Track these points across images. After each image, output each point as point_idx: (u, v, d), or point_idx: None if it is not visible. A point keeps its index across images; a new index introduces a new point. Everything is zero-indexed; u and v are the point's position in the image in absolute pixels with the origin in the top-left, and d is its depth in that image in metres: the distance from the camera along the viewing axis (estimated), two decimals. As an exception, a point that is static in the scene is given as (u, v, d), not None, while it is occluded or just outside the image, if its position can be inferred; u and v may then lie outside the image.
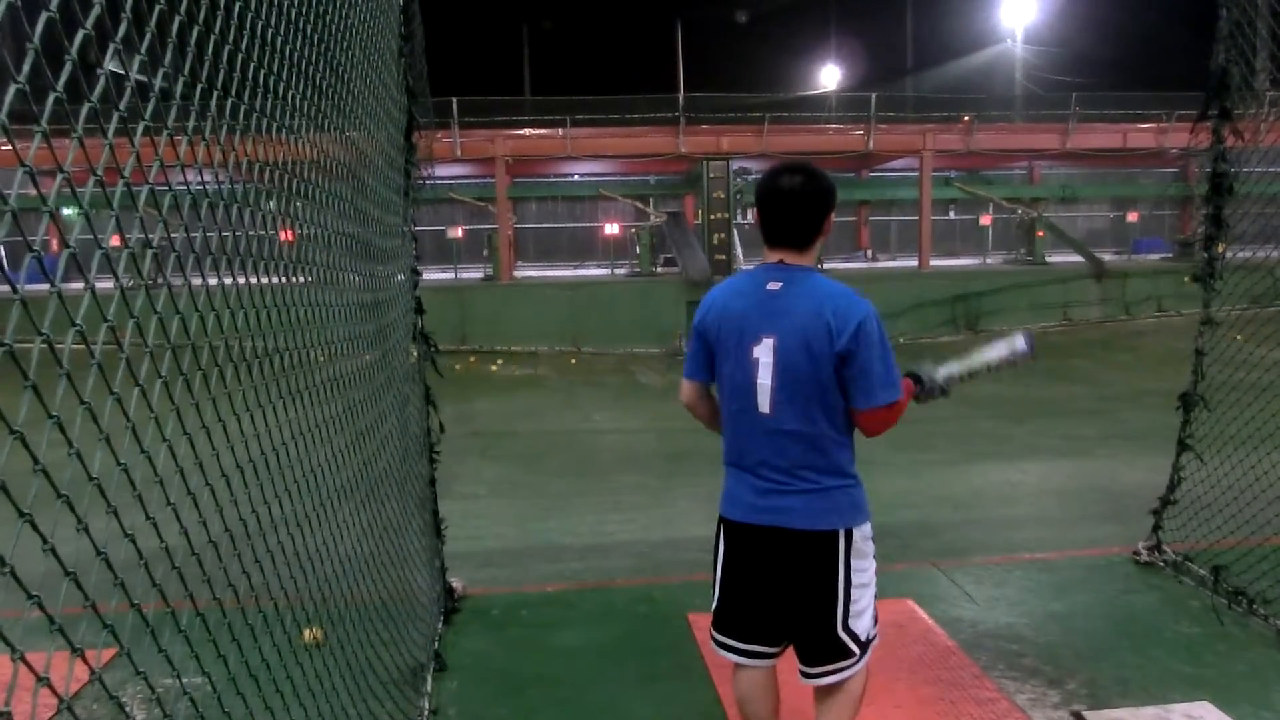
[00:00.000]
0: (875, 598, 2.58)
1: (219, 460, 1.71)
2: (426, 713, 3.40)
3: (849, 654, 2.49)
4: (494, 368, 15.65)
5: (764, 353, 2.39)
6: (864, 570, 2.49)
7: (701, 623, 4.22)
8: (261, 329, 1.95)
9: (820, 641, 2.50)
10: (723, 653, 2.67)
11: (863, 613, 2.50)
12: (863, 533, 2.48)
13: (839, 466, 2.44)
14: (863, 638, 2.51)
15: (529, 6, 36.96)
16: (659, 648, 4.01)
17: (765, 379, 2.40)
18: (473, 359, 16.17)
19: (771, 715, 2.73)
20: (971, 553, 5.20)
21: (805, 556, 2.45)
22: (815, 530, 2.42)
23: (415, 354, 4.13)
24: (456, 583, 4.53)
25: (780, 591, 2.52)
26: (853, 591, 2.46)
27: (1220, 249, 4.54)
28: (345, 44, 2.68)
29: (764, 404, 2.41)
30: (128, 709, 1.35)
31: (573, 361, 16.37)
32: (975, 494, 6.85)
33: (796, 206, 2.46)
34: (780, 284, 2.43)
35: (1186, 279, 4.67)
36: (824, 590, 2.45)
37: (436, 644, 3.96)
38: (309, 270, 2.31)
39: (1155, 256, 24.70)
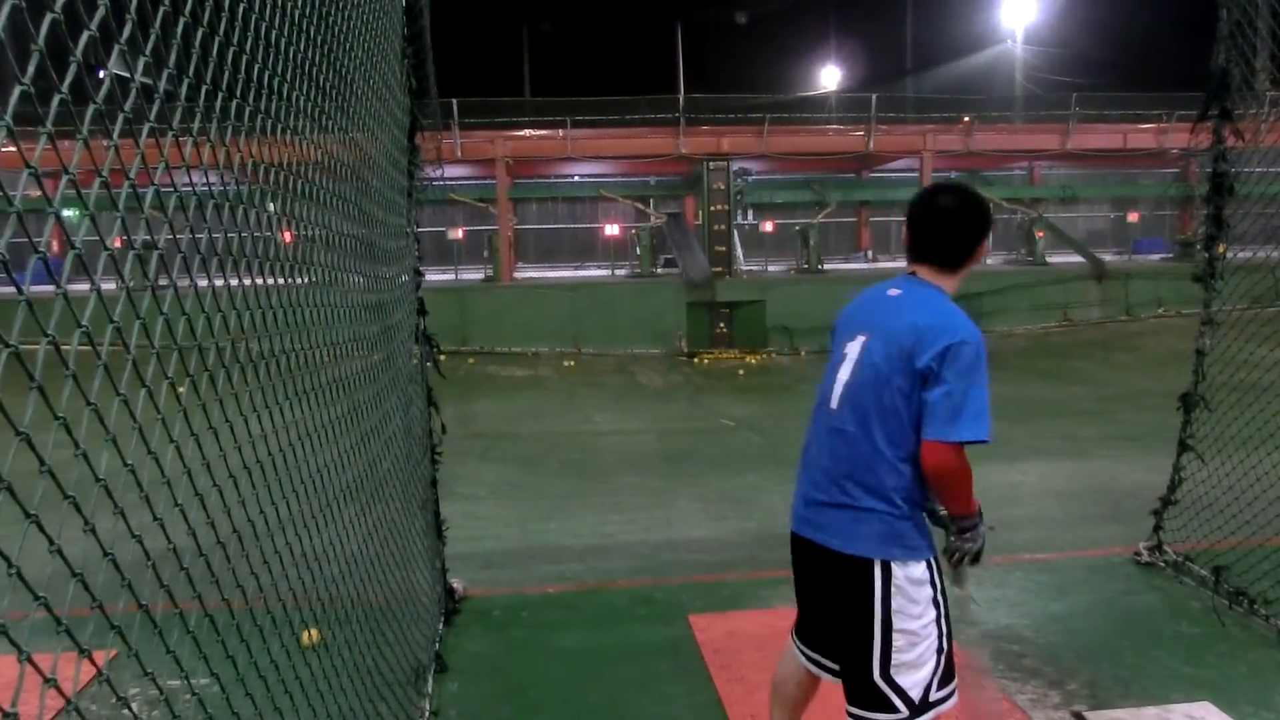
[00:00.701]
0: (942, 654, 2.33)
1: (225, 461, 1.72)
2: (428, 713, 3.41)
3: (890, 708, 2.30)
4: (478, 364, 15.66)
5: (854, 349, 2.38)
6: (912, 616, 2.28)
7: (702, 624, 4.23)
8: (267, 330, 1.95)
9: (855, 681, 2.36)
10: (799, 656, 2.66)
11: (912, 666, 2.29)
12: (909, 573, 2.28)
13: (885, 490, 2.28)
14: (913, 695, 2.29)
15: (529, 8, 37.00)
16: (660, 649, 4.01)
17: (845, 374, 2.38)
18: (472, 360, 16.17)
19: (797, 705, 2.73)
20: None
21: (838, 580, 2.35)
22: (847, 554, 2.31)
23: (417, 355, 4.13)
24: (457, 584, 4.54)
25: (824, 606, 2.46)
26: (894, 636, 2.27)
27: (1221, 249, 4.55)
28: (348, 45, 2.68)
29: (835, 399, 2.39)
30: (135, 709, 1.35)
31: (570, 364, 16.37)
32: (976, 494, 6.84)
33: (950, 227, 2.41)
34: (900, 291, 2.41)
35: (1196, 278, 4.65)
36: (857, 624, 2.30)
37: (438, 645, 3.96)
38: (313, 271, 2.31)
39: (1156, 257, 24.70)
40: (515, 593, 4.77)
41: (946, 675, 2.35)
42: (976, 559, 2.46)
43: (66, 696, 1.20)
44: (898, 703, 2.30)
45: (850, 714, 2.39)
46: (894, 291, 2.43)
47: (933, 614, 2.32)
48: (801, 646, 2.65)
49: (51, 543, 1.15)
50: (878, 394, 2.29)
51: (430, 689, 3.59)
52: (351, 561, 2.58)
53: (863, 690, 2.33)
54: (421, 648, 3.63)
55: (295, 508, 2.09)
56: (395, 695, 3.04)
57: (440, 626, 4.18)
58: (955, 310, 2.32)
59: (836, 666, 2.49)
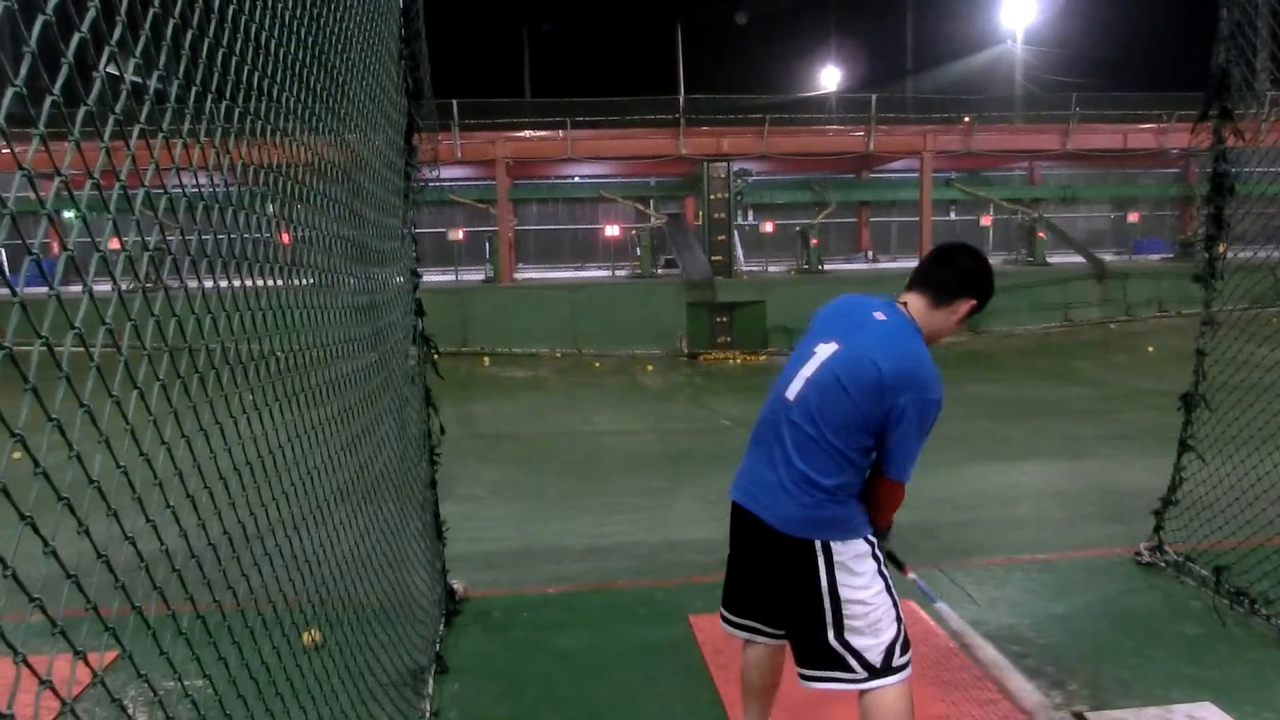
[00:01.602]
0: (900, 622, 2.48)
1: (216, 463, 1.72)
2: (428, 714, 3.40)
3: (846, 666, 2.44)
4: (486, 361, 15.65)
5: (823, 352, 2.50)
6: (859, 587, 2.43)
7: (702, 624, 4.23)
8: (256, 331, 1.95)
9: (809, 645, 2.49)
10: (725, 627, 2.78)
11: (865, 630, 2.43)
12: (849, 549, 2.44)
13: (828, 484, 2.42)
14: (869, 658, 2.43)
15: (529, 8, 37.01)
16: (660, 649, 4.01)
17: (808, 371, 2.50)
18: (487, 360, 16.16)
19: (765, 691, 2.83)
20: (972, 554, 5.20)
21: (782, 557, 2.49)
22: (789, 535, 2.45)
23: (415, 356, 4.13)
24: (457, 584, 4.53)
25: (765, 579, 2.59)
26: (844, 605, 2.42)
27: (1221, 249, 4.54)
28: (340, 46, 2.68)
29: (792, 391, 2.52)
30: (130, 711, 1.35)
31: (564, 355, 16.37)
32: (975, 495, 6.84)
33: (959, 270, 2.58)
34: (885, 317, 2.51)
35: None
36: (806, 597, 2.45)
37: (438, 646, 3.96)
38: (302, 273, 2.31)
39: (1156, 257, 24.69)
40: (516, 593, 4.77)
41: (906, 641, 2.49)
42: (890, 557, 2.70)
43: (62, 699, 1.20)
44: (854, 663, 2.44)
45: (804, 675, 2.51)
46: (879, 315, 2.52)
47: (880, 584, 2.47)
48: (731, 617, 2.76)
49: (46, 544, 1.15)
50: (836, 401, 2.42)
51: (430, 690, 3.59)
52: (344, 563, 2.58)
53: (817, 652, 2.46)
54: (420, 649, 3.63)
55: (286, 510, 2.09)
56: (394, 696, 3.03)
57: (441, 627, 4.18)
58: (929, 361, 2.45)
59: (778, 632, 2.64)
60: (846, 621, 2.42)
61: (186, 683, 1.53)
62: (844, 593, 2.42)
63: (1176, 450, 4.80)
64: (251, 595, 1.86)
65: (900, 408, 2.35)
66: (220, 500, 1.71)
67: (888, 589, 2.48)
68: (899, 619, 2.48)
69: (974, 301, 2.57)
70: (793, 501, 2.44)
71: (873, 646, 2.43)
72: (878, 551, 2.50)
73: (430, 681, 3.64)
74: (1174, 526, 4.78)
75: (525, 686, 3.71)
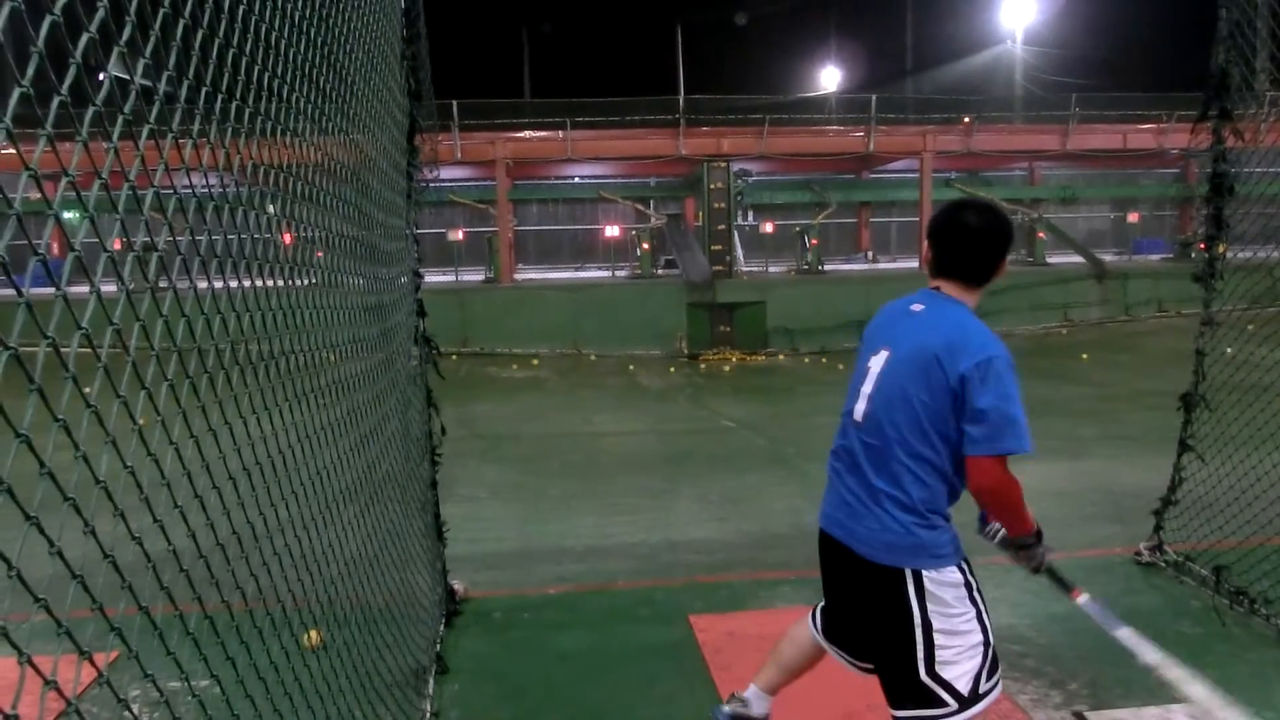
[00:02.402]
0: (988, 646, 2.38)
1: (225, 463, 1.72)
2: (428, 715, 3.41)
3: (938, 702, 2.33)
4: (514, 366, 15.67)
5: (877, 363, 2.42)
6: (951, 616, 2.33)
7: (702, 624, 4.23)
8: (266, 332, 1.95)
9: (900, 681, 2.38)
10: (813, 632, 2.78)
11: (957, 661, 2.33)
12: (939, 577, 2.32)
13: (912, 502, 2.32)
14: (960, 689, 2.33)
15: (529, 9, 36.99)
16: (660, 650, 4.01)
17: (868, 388, 2.42)
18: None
19: (787, 672, 2.84)
20: (972, 554, 5.18)
21: (871, 587, 2.40)
22: (877, 563, 2.36)
23: (417, 356, 4.13)
24: (458, 585, 4.54)
25: (856, 609, 2.52)
26: (936, 636, 2.31)
27: (1221, 249, 4.55)
28: (348, 47, 2.69)
29: (859, 411, 2.43)
30: (136, 711, 1.35)
31: (564, 355, 16.38)
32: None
33: (974, 244, 2.43)
34: (923, 306, 2.43)
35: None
36: (896, 629, 2.34)
37: (438, 646, 3.96)
38: (313, 273, 2.31)
39: (1156, 257, 24.70)
40: (516, 594, 4.77)
41: (993, 665, 2.39)
42: (1038, 571, 2.58)
43: (67, 698, 1.20)
44: (946, 697, 2.33)
45: (895, 716, 2.41)
46: (917, 307, 2.44)
47: (971, 611, 2.36)
48: (824, 640, 2.74)
49: (52, 545, 1.16)
50: (901, 409, 2.32)
51: (431, 690, 3.59)
52: (350, 564, 2.58)
53: (909, 689, 2.36)
54: (422, 649, 3.63)
55: (294, 510, 2.09)
56: (395, 696, 3.04)
57: (441, 628, 4.18)
58: (980, 326, 2.34)
59: (868, 665, 2.54)
60: (938, 654, 2.32)
61: (193, 683, 1.53)
62: (935, 623, 2.32)
63: (1176, 450, 4.80)
64: (260, 595, 1.87)
65: (963, 377, 2.22)
66: (229, 500, 1.71)
67: (979, 616, 2.37)
68: (988, 643, 2.38)
69: (1006, 257, 2.47)
70: (878, 525, 2.35)
71: (962, 676, 2.34)
72: (970, 577, 2.39)
73: (431, 681, 3.64)
74: (1174, 526, 4.78)
75: (525, 687, 3.72)
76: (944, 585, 2.32)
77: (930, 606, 2.31)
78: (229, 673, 1.73)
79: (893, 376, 2.36)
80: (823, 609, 2.77)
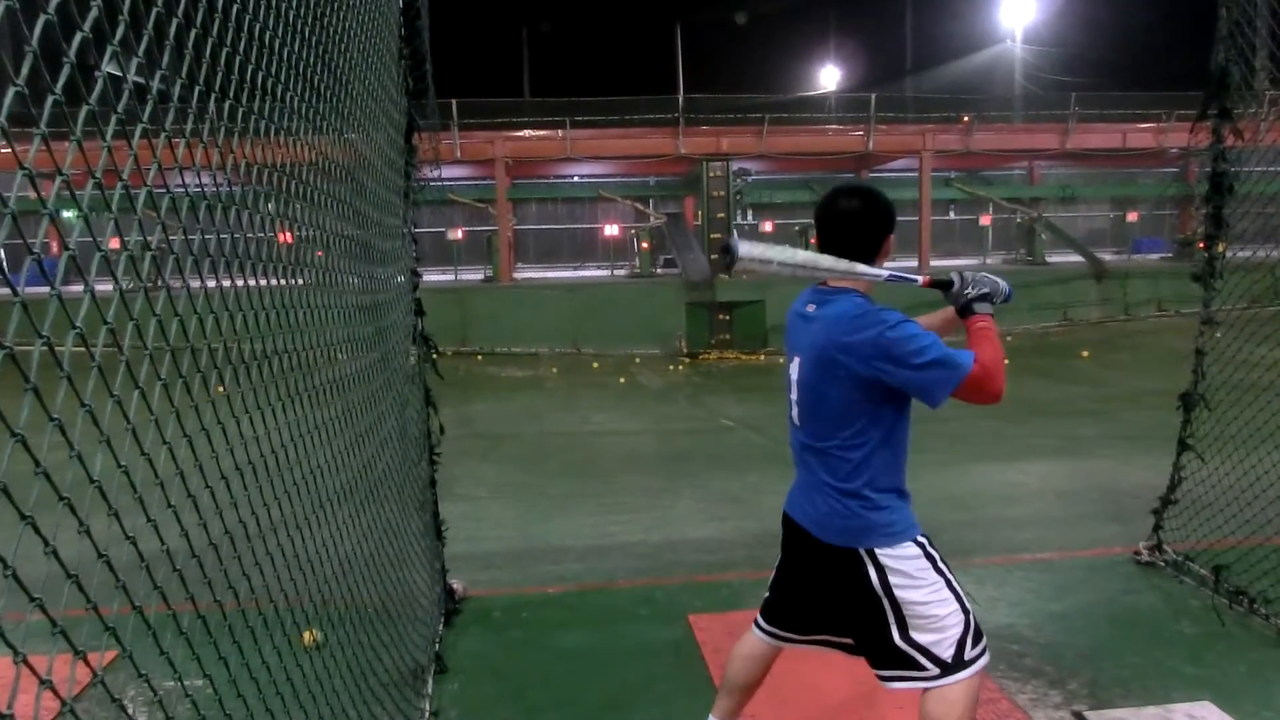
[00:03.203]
0: (968, 614, 2.42)
1: (218, 463, 1.72)
2: (427, 714, 3.40)
3: (918, 665, 2.38)
4: (484, 362, 15.66)
5: (794, 370, 2.51)
6: (918, 587, 2.38)
7: (702, 624, 4.23)
8: (260, 331, 1.95)
9: (878, 648, 2.45)
10: (758, 634, 2.82)
11: (933, 629, 2.38)
12: (895, 553, 2.39)
13: (856, 488, 2.40)
14: (939, 653, 2.38)
15: (529, 8, 36.99)
16: (660, 649, 4.01)
17: (794, 394, 2.52)
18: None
19: (743, 690, 2.86)
20: (972, 553, 5.20)
21: (833, 568, 2.46)
22: (835, 545, 2.44)
23: (415, 356, 4.13)
24: (457, 584, 4.53)
25: (821, 589, 2.57)
26: (905, 607, 2.38)
27: (1220, 248, 4.54)
28: (343, 45, 2.68)
29: (794, 415, 2.54)
30: (132, 711, 1.35)
31: (564, 354, 16.37)
32: (975, 494, 6.84)
33: (851, 228, 2.46)
34: (814, 306, 2.48)
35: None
36: (864, 603, 2.42)
37: (438, 646, 3.96)
38: (307, 272, 2.31)
39: (1155, 256, 24.70)
40: (515, 593, 4.77)
41: (977, 632, 2.43)
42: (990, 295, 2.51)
43: (62, 699, 1.20)
44: (925, 661, 2.38)
45: (881, 677, 2.47)
46: (810, 308, 2.50)
47: (939, 580, 2.41)
48: (770, 636, 2.77)
49: (46, 544, 1.15)
50: (823, 407, 2.42)
51: (430, 689, 3.59)
52: (345, 563, 2.58)
53: (887, 654, 2.42)
54: (420, 648, 3.63)
55: (289, 509, 2.09)
56: (393, 696, 3.03)
57: (440, 627, 4.18)
58: (864, 307, 2.37)
59: (846, 640, 2.59)
60: (910, 621, 2.38)
61: (186, 682, 1.53)
62: (901, 594, 2.38)
63: (1176, 449, 4.80)
64: (253, 595, 1.86)
65: (871, 365, 2.28)
66: (222, 500, 1.71)
67: (949, 584, 2.42)
68: (965, 610, 2.42)
69: (889, 236, 2.48)
70: (829, 510, 2.44)
71: (941, 642, 2.38)
72: (930, 549, 2.43)
73: (430, 681, 3.64)
74: (1173, 526, 4.78)
75: (525, 686, 3.71)
76: (902, 559, 2.39)
77: (893, 580, 2.38)
78: (223, 673, 1.72)
79: (808, 380, 2.44)
80: (767, 604, 2.79)
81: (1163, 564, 4.79)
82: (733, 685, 2.87)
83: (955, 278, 2.53)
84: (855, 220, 2.46)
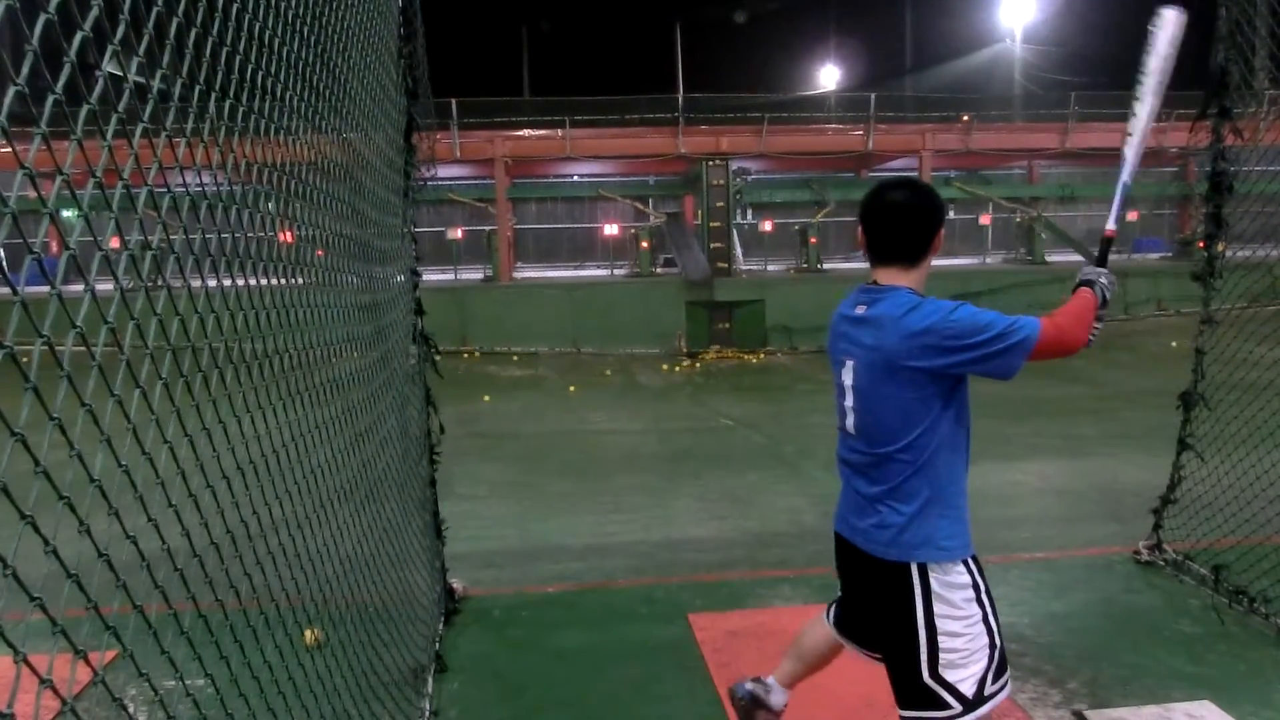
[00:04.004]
0: (995, 649, 2.37)
1: (220, 462, 1.71)
2: (428, 714, 3.40)
3: (942, 703, 2.32)
4: (477, 354, 15.65)
5: (847, 375, 2.41)
6: (955, 618, 2.32)
7: (701, 623, 4.23)
8: (260, 331, 1.95)
9: (904, 682, 2.39)
10: (829, 627, 2.80)
11: (961, 664, 2.32)
12: (945, 577, 2.32)
13: (909, 496, 2.32)
14: (964, 690, 2.32)
15: (528, 8, 36.98)
16: (660, 648, 4.01)
17: (849, 401, 2.42)
18: (474, 354, 16.15)
19: (807, 665, 2.87)
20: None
21: (880, 584, 2.39)
22: (884, 559, 2.36)
23: (416, 355, 4.13)
24: (457, 584, 4.53)
25: (867, 606, 2.54)
26: (940, 638, 2.31)
27: (1220, 247, 4.54)
28: (342, 45, 2.68)
29: (849, 424, 2.44)
30: (134, 710, 1.35)
31: (564, 354, 16.37)
32: (975, 494, 6.79)
33: (901, 223, 2.39)
34: (865, 307, 2.39)
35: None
36: (901, 628, 2.35)
37: (438, 645, 3.96)
38: (306, 272, 2.31)
39: (1155, 256, 24.70)
40: (515, 592, 4.77)
41: (1000, 667, 2.38)
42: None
43: (63, 698, 1.20)
44: (950, 699, 2.33)
45: (903, 716, 2.41)
46: (860, 309, 2.41)
47: (977, 613, 2.34)
48: (838, 634, 2.76)
49: (47, 543, 1.15)
50: (885, 410, 2.32)
51: (430, 689, 3.59)
52: (346, 562, 2.58)
53: (913, 691, 2.36)
54: (421, 648, 3.63)
55: (290, 509, 2.09)
56: (393, 695, 3.03)
57: (440, 626, 4.18)
58: (917, 301, 2.31)
59: (879, 656, 2.55)
60: (941, 656, 2.31)
61: (188, 682, 1.53)
62: (940, 624, 2.31)
63: (1175, 449, 4.80)
64: (254, 594, 1.86)
65: (938, 355, 2.22)
66: (223, 499, 1.71)
67: (985, 619, 2.36)
68: (994, 645, 2.37)
69: (940, 231, 2.42)
70: (880, 521, 2.36)
71: (966, 679, 2.33)
72: (978, 577, 2.36)
73: (430, 680, 3.64)
74: (1173, 525, 4.78)
75: (525, 685, 3.71)
76: (951, 587, 2.31)
77: (936, 606, 2.31)
78: (224, 671, 1.72)
79: (865, 384, 2.36)
80: (838, 602, 2.78)
81: (1162, 563, 4.79)
82: (799, 654, 2.88)
83: (1104, 299, 2.51)
84: (905, 214, 2.38)
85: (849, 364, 2.40)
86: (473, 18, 33.43)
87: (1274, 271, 4.32)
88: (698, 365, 16.19)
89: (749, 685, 2.93)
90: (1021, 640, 3.97)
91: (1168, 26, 2.60)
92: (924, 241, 2.38)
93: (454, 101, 20.40)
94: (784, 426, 10.27)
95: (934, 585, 2.31)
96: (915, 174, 23.54)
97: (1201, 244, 4.68)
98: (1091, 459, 8.00)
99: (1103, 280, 2.44)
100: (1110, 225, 2.56)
